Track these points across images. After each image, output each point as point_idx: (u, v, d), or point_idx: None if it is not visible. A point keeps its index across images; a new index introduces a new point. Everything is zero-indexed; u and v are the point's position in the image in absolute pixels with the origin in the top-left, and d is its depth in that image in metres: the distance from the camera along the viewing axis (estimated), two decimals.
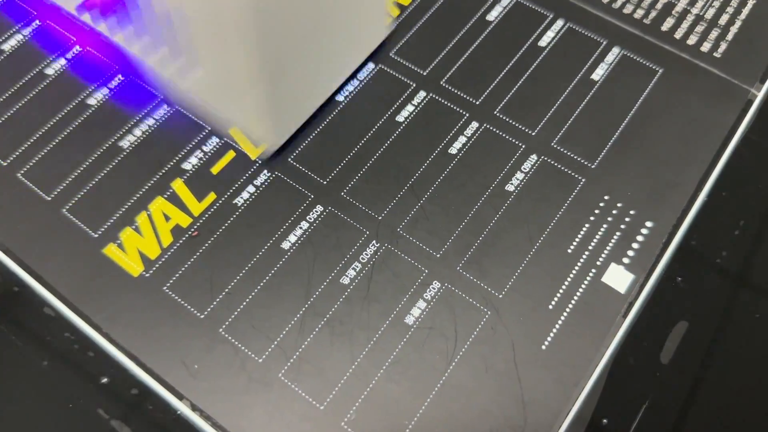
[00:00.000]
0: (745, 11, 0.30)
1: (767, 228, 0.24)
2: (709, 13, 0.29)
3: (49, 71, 0.27)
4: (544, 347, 0.22)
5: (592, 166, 0.26)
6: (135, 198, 0.25)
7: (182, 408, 0.21)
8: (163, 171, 0.25)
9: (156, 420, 0.21)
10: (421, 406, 0.21)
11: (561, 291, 0.23)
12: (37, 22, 0.28)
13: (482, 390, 0.21)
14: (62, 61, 0.27)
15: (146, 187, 0.25)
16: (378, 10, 0.26)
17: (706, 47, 0.29)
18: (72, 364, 0.22)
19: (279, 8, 0.20)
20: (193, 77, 0.23)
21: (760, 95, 0.27)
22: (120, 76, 0.27)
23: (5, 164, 0.25)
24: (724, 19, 0.29)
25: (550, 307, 0.23)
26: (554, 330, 0.22)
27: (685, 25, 0.29)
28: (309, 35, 0.22)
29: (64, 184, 0.25)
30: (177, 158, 0.26)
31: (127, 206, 0.24)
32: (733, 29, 0.29)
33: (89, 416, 0.21)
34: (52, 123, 0.26)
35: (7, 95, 0.26)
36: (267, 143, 0.24)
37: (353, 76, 0.28)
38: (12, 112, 0.26)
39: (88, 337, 0.22)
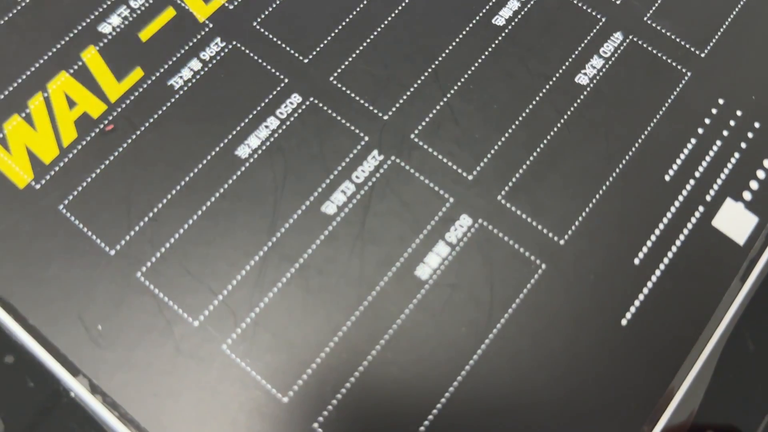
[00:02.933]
0: None
1: None
2: None
3: None
4: (624, 322, 0.19)
5: (702, 55, 0.22)
6: (28, 72, 0.21)
7: (77, 388, 0.18)
8: (71, 35, 0.22)
9: (38, 403, 0.18)
10: (437, 402, 0.18)
11: (652, 238, 0.20)
12: None
13: (529, 382, 0.18)
14: None
15: (45, 57, 0.22)
16: None
17: None
18: None
19: None
20: None
21: None
22: None
23: None
24: None
25: (636, 261, 0.20)
26: (640, 297, 0.19)
27: None
28: None
29: None
30: (92, 16, 0.22)
31: (16, 84, 0.21)
32: None
33: None
34: None
35: None
36: None
37: None
38: None
39: None
